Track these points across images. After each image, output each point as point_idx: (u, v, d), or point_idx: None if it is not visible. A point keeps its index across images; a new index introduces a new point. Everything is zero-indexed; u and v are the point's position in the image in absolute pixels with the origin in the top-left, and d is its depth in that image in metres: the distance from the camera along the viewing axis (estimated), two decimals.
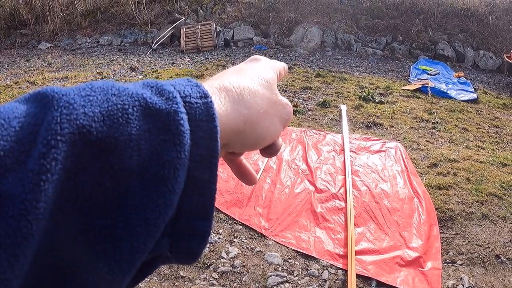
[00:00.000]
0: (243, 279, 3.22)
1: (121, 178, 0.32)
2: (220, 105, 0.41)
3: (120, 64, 10.41)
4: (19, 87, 8.72)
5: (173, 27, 12.79)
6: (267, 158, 4.89)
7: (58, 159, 0.28)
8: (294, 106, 6.94)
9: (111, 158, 0.31)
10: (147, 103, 0.34)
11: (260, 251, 3.53)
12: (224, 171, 4.26)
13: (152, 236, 0.33)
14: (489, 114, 7.49)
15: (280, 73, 0.56)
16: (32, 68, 10.56)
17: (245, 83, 0.46)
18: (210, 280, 3.19)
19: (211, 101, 0.38)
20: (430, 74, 9.72)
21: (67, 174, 0.29)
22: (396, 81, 9.33)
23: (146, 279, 3.12)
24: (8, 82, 9.26)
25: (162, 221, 0.33)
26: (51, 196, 0.28)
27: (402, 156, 5.14)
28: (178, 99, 0.36)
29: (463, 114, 7.28)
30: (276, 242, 3.65)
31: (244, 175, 0.56)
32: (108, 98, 0.32)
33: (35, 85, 8.82)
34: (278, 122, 0.49)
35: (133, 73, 9.62)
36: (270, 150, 0.52)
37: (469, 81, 9.59)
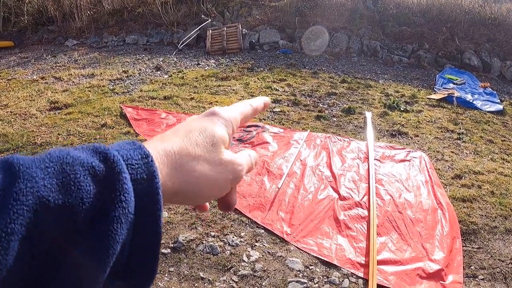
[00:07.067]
0: (263, 283, 3.22)
1: (75, 233, 0.37)
2: (160, 168, 0.46)
3: (145, 63, 10.50)
4: (45, 82, 8.87)
5: (199, 29, 12.86)
6: (291, 162, 4.90)
7: (22, 224, 0.34)
8: (318, 111, 6.98)
9: (66, 219, 0.37)
10: (95, 170, 0.40)
11: (281, 256, 3.53)
12: (247, 174, 4.27)
13: (101, 277, 0.39)
14: None
15: (233, 130, 0.58)
16: (58, 64, 10.72)
17: (187, 148, 0.50)
18: (230, 283, 3.20)
19: (151, 160, 0.44)
20: (456, 84, 9.65)
21: (30, 233, 0.35)
22: (421, 89, 9.27)
23: (166, 279, 3.13)
24: (35, 77, 9.44)
25: (107, 266, 0.38)
26: (17, 249, 0.34)
27: (426, 166, 5.11)
28: (121, 162, 0.41)
29: (489, 125, 7.22)
30: (297, 248, 3.66)
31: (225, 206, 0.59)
32: (63, 169, 0.38)
33: (61, 80, 8.97)
34: (222, 181, 0.53)
35: (158, 72, 9.70)
36: (222, 205, 0.58)
37: (495, 92, 9.53)
